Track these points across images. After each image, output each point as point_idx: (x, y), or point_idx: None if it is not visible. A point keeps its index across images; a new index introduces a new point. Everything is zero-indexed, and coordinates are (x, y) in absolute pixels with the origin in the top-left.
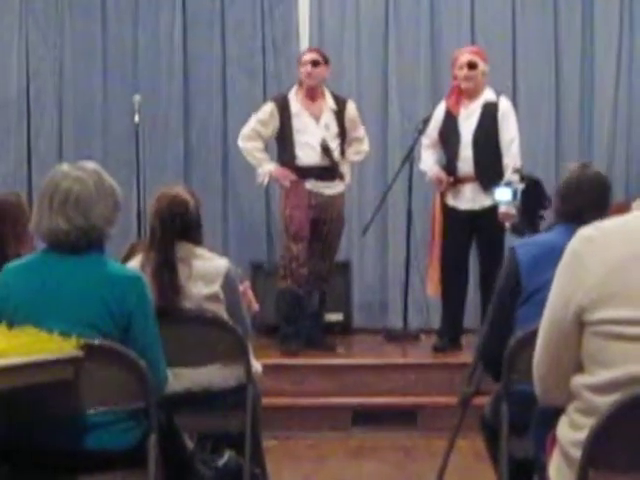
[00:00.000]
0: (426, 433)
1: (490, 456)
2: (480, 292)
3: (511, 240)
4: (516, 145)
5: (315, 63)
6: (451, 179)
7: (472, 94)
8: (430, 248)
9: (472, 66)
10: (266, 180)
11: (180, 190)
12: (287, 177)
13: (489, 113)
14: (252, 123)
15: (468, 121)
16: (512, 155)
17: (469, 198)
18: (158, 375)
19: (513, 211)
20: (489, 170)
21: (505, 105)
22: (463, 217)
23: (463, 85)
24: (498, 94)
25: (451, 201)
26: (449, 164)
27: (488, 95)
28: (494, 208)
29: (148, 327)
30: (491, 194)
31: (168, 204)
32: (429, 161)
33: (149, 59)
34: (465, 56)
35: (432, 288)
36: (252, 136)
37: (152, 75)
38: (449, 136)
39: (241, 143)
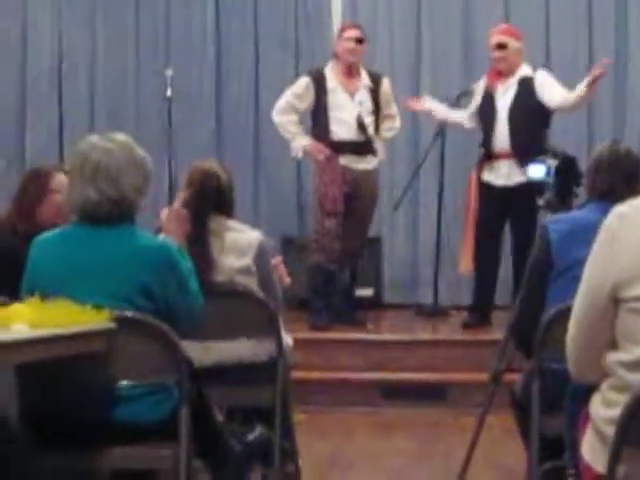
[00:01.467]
0: (455, 409)
1: (520, 433)
2: (512, 269)
3: (544, 217)
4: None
5: (359, 40)
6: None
7: (508, 73)
8: (465, 223)
9: (501, 47)
10: (300, 154)
11: (213, 164)
12: (322, 152)
13: (526, 88)
14: (287, 96)
15: (504, 97)
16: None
17: (504, 174)
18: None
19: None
20: (525, 146)
21: (541, 77)
22: (497, 193)
23: (498, 66)
24: (535, 69)
25: (486, 176)
26: (485, 139)
27: (525, 71)
28: (528, 185)
29: (185, 286)
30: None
31: (201, 177)
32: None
33: (181, 33)
34: (494, 38)
35: (465, 264)
36: (287, 109)
37: (184, 49)
38: (486, 112)
39: (275, 116)
